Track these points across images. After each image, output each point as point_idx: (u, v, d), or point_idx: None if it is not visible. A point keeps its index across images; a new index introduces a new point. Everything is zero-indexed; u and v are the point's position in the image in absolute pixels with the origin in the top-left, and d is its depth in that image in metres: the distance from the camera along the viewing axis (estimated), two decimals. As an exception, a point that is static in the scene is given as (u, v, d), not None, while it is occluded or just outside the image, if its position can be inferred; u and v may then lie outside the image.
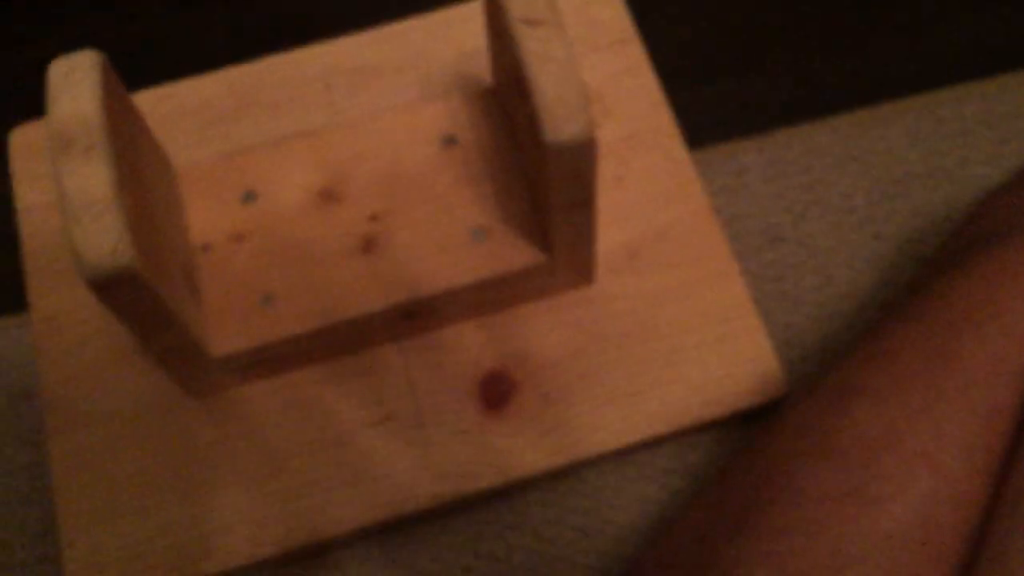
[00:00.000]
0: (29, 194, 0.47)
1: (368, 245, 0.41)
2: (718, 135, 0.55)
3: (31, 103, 0.47)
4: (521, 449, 0.42)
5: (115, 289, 0.32)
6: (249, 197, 0.43)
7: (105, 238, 0.30)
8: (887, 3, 0.58)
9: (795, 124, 0.55)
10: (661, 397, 0.42)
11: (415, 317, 0.42)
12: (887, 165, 0.54)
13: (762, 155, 0.55)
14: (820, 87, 0.56)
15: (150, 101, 0.47)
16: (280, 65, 0.50)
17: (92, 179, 0.31)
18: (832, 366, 0.37)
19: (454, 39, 0.49)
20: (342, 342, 0.42)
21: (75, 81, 0.32)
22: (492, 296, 0.42)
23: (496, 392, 0.43)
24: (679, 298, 0.43)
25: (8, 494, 0.45)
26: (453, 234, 0.41)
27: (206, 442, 0.42)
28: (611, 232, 0.44)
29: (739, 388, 0.42)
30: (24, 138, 0.48)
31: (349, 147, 0.43)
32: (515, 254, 0.41)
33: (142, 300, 0.33)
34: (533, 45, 0.32)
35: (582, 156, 0.33)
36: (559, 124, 0.32)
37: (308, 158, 0.43)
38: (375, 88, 0.49)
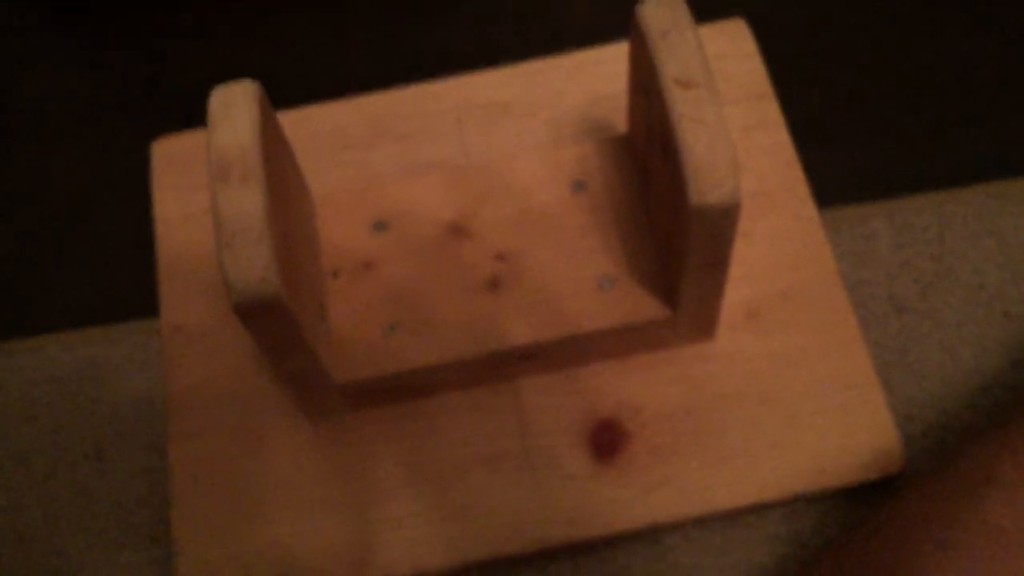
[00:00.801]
0: (167, 204, 0.49)
1: (494, 283, 0.42)
2: (848, 197, 0.53)
3: (172, 117, 0.49)
4: (628, 501, 0.41)
5: (259, 314, 0.33)
6: (380, 227, 0.43)
7: (255, 265, 0.31)
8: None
9: (928, 192, 0.54)
10: (774, 462, 0.42)
11: (533, 359, 0.42)
12: (1023, 243, 0.52)
13: (892, 222, 0.53)
14: (957, 156, 0.55)
15: (287, 124, 0.48)
16: (414, 96, 0.50)
17: (247, 206, 0.32)
18: (960, 452, 0.36)
19: (588, 82, 0.50)
20: (459, 377, 0.42)
21: (234, 111, 0.33)
22: (612, 344, 0.42)
23: (607, 441, 0.42)
24: (799, 362, 0.43)
25: (125, 496, 0.46)
26: (579, 280, 0.41)
27: (319, 463, 0.43)
28: (734, 289, 0.44)
29: (856, 460, 0.41)
30: (165, 150, 0.50)
31: (481, 185, 0.44)
32: (641, 306, 0.40)
33: (281, 325, 0.34)
34: (685, 108, 0.32)
35: (725, 220, 0.33)
36: (707, 188, 0.32)
37: (440, 192, 0.44)
38: (506, 125, 0.49)
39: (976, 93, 0.57)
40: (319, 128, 0.50)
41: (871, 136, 0.56)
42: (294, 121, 0.50)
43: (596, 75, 0.50)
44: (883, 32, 0.56)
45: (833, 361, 0.43)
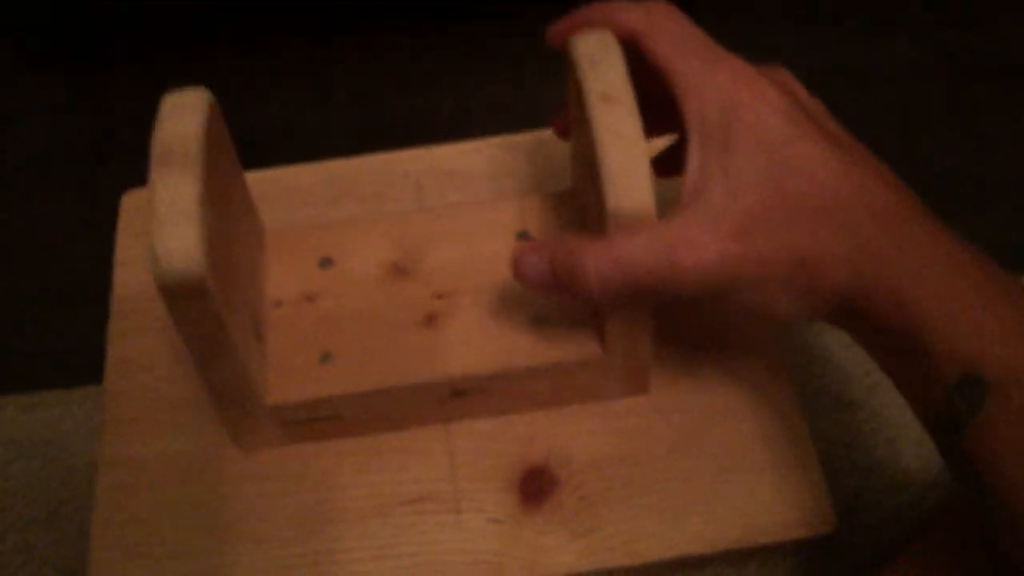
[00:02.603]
0: (128, 250, 0.50)
1: (430, 319, 0.42)
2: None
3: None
4: (553, 548, 0.41)
5: (183, 295, 0.33)
6: (326, 263, 0.44)
7: (182, 243, 0.32)
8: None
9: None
10: (703, 516, 0.41)
11: (465, 396, 0.42)
12: None
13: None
14: None
15: (254, 183, 0.49)
16: (380, 162, 0.52)
17: (182, 190, 0.33)
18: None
19: (550, 157, 0.51)
20: (391, 413, 0.42)
21: (184, 108, 0.35)
22: (545, 388, 0.42)
23: (536, 488, 0.42)
24: (735, 418, 0.43)
25: (75, 560, 0.45)
26: (514, 321, 0.42)
27: (246, 496, 0.42)
28: (670, 342, 0.44)
29: (787, 518, 0.41)
30: (135, 200, 0.51)
31: (426, 229, 0.45)
32: (571, 346, 0.41)
33: (206, 318, 0.34)
34: (607, 120, 0.34)
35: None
36: (622, 193, 0.33)
37: (386, 235, 0.45)
38: (464, 190, 0.51)
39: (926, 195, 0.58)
40: (284, 186, 0.52)
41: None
42: (261, 180, 0.51)
43: (559, 151, 0.51)
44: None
45: (768, 418, 0.42)
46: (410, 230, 0.45)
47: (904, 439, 0.49)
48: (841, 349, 0.53)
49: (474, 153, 0.52)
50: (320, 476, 0.42)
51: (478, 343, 0.41)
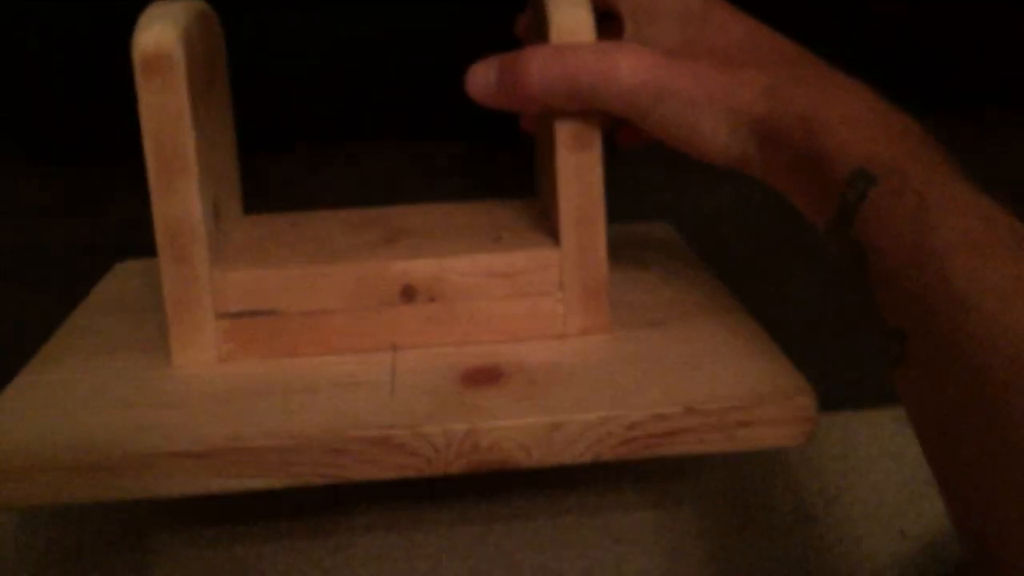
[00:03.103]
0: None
1: (391, 238, 0.43)
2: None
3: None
4: (496, 409, 0.37)
5: (155, 70, 0.37)
6: (293, 223, 0.46)
7: (162, 27, 0.37)
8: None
9: (837, 411, 0.55)
10: (664, 387, 0.38)
11: (415, 301, 0.41)
12: (921, 465, 0.53)
13: None
14: (866, 380, 0.56)
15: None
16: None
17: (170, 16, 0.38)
18: None
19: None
20: (334, 318, 0.41)
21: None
22: (497, 305, 0.41)
23: (482, 377, 0.39)
24: (701, 355, 0.41)
25: None
26: (475, 238, 0.43)
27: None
28: (634, 298, 0.44)
29: (760, 390, 0.37)
30: (124, 270, 0.52)
31: (401, 216, 0.47)
32: (525, 249, 0.41)
33: (173, 99, 0.37)
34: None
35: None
36: (564, 8, 0.38)
37: (363, 217, 0.47)
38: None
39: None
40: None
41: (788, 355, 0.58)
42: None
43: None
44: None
45: (739, 352, 0.41)
46: (387, 220, 0.47)
47: (862, 552, 0.50)
48: (800, 463, 0.52)
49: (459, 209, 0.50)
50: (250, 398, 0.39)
51: (431, 248, 0.42)
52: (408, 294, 0.41)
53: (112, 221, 0.55)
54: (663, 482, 0.53)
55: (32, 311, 0.51)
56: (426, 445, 0.36)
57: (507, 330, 0.41)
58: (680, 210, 0.55)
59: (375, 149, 0.55)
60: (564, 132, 0.40)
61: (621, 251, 0.42)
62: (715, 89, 0.37)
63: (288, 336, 0.41)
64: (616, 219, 0.42)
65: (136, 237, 0.51)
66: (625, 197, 0.42)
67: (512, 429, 0.36)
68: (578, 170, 0.40)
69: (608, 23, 0.41)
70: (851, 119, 0.34)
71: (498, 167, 0.53)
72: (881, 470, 0.53)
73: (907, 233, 0.31)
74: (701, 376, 0.38)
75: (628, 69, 0.37)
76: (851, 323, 0.57)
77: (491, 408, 0.36)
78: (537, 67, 0.38)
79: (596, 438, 0.36)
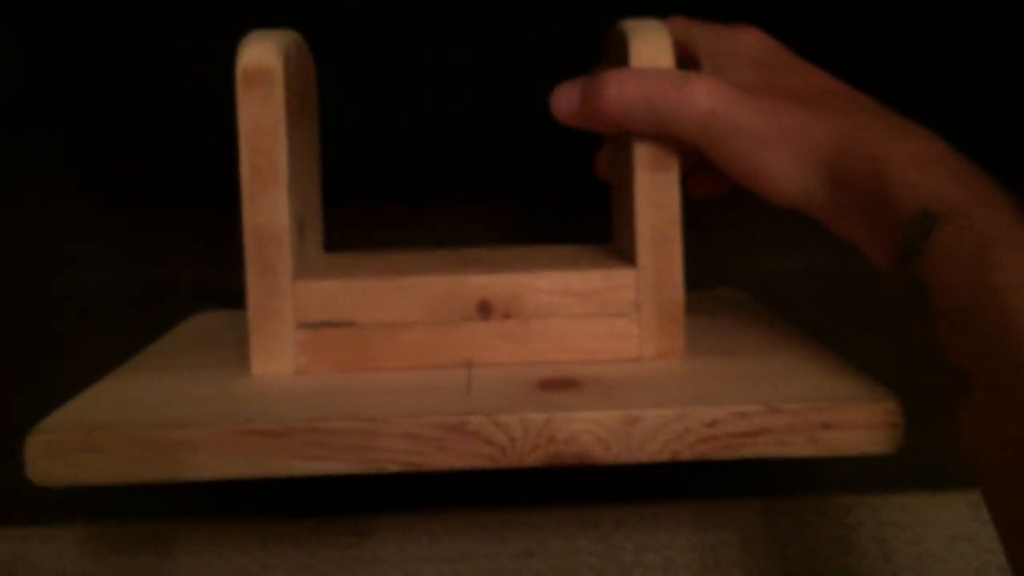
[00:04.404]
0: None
1: (468, 263, 0.44)
2: (836, 486, 0.53)
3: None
4: (574, 403, 0.36)
5: (256, 83, 0.39)
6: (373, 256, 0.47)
7: (262, 44, 0.40)
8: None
9: (911, 492, 0.53)
10: (744, 390, 0.37)
11: (490, 317, 0.41)
12: (994, 550, 0.51)
13: (876, 516, 0.53)
14: (940, 462, 0.55)
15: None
16: None
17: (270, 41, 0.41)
18: None
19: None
20: (411, 331, 0.41)
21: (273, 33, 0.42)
22: (571, 323, 0.42)
23: (557, 385, 0.39)
24: (778, 368, 0.40)
25: None
26: (551, 260, 0.44)
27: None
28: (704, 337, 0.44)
29: (842, 393, 0.37)
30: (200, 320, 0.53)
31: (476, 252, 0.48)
32: (605, 268, 0.42)
33: (271, 109, 0.40)
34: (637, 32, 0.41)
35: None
36: (643, 39, 0.40)
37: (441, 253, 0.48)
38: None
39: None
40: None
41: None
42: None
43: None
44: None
45: (819, 369, 0.40)
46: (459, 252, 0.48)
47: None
48: (872, 545, 0.51)
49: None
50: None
51: (508, 266, 0.42)
52: (485, 310, 0.41)
53: (186, 265, 0.56)
54: (727, 549, 0.51)
55: (106, 350, 0.52)
56: (502, 434, 0.35)
57: (582, 349, 0.42)
58: (750, 278, 0.56)
59: (447, 205, 0.57)
60: (642, 153, 0.41)
61: (693, 306, 0.42)
62: (786, 127, 0.38)
63: (364, 348, 0.41)
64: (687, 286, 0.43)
65: (208, 281, 0.53)
66: (696, 264, 0.43)
67: (590, 421, 0.35)
68: (655, 190, 0.41)
69: (685, 67, 0.43)
70: (919, 162, 0.35)
71: (568, 225, 0.54)
72: (955, 554, 0.51)
73: (970, 271, 0.31)
74: (782, 384, 0.38)
75: (704, 97, 0.39)
76: (927, 400, 0.56)
77: (569, 403, 0.36)
78: (616, 88, 0.40)
79: (675, 434, 0.35)
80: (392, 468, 0.35)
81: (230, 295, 0.52)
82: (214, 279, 0.57)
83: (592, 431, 0.35)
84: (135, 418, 0.36)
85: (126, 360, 0.45)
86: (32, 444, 0.35)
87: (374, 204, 0.56)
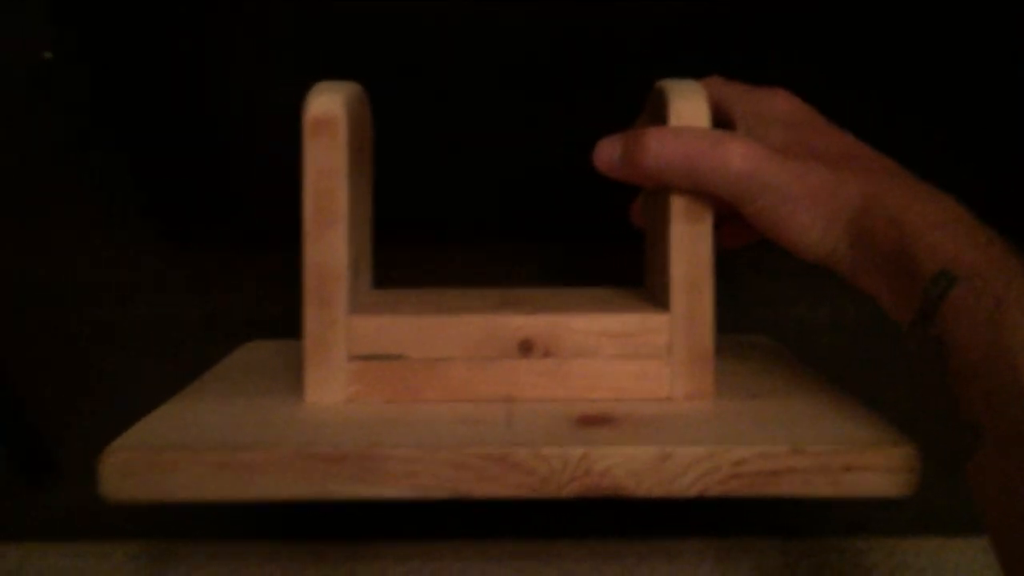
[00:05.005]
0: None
1: (510, 302, 0.47)
2: (854, 529, 0.55)
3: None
4: (610, 439, 0.39)
5: (323, 130, 0.42)
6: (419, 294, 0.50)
7: (328, 96, 0.43)
8: None
9: (926, 536, 0.55)
10: (770, 432, 0.40)
11: (531, 354, 0.44)
12: None
13: (890, 558, 0.54)
14: (956, 507, 0.57)
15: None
16: None
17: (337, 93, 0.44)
18: None
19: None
20: (456, 365, 0.44)
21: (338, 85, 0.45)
22: (606, 363, 0.44)
23: (594, 421, 0.41)
24: (803, 411, 0.43)
25: None
26: (589, 303, 0.46)
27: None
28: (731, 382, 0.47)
29: (863, 438, 0.39)
30: (249, 350, 0.56)
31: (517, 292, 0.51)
32: (640, 312, 0.44)
33: (335, 156, 0.43)
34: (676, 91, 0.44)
35: None
36: (682, 99, 0.43)
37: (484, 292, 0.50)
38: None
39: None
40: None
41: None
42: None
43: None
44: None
45: (842, 414, 0.43)
46: (502, 292, 0.51)
47: None
48: None
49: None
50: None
51: (549, 307, 0.45)
52: (525, 348, 0.44)
53: (238, 300, 0.59)
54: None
55: (161, 379, 0.55)
56: (543, 465, 0.38)
57: (616, 388, 0.44)
58: (778, 326, 0.58)
59: (491, 247, 0.59)
60: (678, 205, 0.43)
61: (722, 351, 0.45)
62: (815, 187, 0.41)
63: (411, 380, 0.44)
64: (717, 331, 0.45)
65: (259, 315, 0.56)
66: (727, 311, 0.45)
67: (624, 456, 0.38)
68: (690, 240, 0.44)
69: (720, 126, 0.46)
70: (939, 225, 0.38)
71: (603, 268, 0.57)
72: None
73: (984, 331, 0.34)
74: (806, 427, 0.40)
75: (738, 157, 0.41)
76: (944, 448, 0.58)
77: (605, 439, 0.39)
78: (656, 145, 0.42)
79: (704, 471, 0.38)
80: (439, 495, 0.38)
81: (276, 326, 0.56)
82: (260, 312, 0.60)
83: (626, 465, 0.38)
84: (201, 440, 0.39)
85: (180, 385, 0.48)
86: (106, 463, 0.38)
87: (422, 244, 0.59)
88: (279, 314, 0.57)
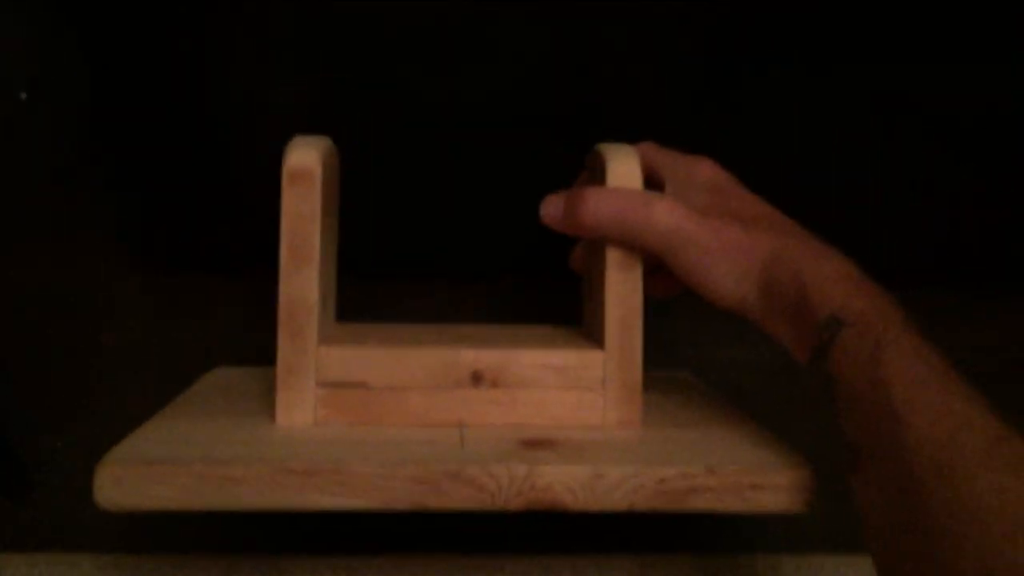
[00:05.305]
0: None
1: (462, 338, 0.52)
2: (763, 546, 0.61)
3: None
4: (551, 459, 0.44)
5: (300, 180, 0.48)
6: (378, 328, 0.55)
7: (305, 150, 0.49)
8: None
9: (827, 553, 0.61)
10: (689, 456, 0.45)
11: (480, 384, 0.49)
12: None
13: (797, 572, 0.60)
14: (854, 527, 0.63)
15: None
16: None
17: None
18: None
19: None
20: (412, 396, 0.49)
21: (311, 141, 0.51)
22: (547, 393, 0.50)
23: (537, 444, 0.47)
24: (718, 439, 0.49)
25: None
26: (533, 340, 0.52)
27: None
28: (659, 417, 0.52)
29: (768, 461, 0.45)
30: (216, 376, 0.61)
31: (468, 329, 0.56)
32: (576, 348, 0.50)
33: (308, 204, 0.48)
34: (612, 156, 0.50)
35: None
36: (617, 164, 0.49)
37: (437, 328, 0.56)
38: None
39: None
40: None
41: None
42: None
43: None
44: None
45: (753, 441, 0.48)
46: (453, 328, 0.56)
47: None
48: None
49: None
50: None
51: (497, 343, 0.51)
52: (476, 378, 0.49)
53: (209, 325, 0.64)
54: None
55: (137, 403, 0.59)
56: (492, 482, 0.43)
57: (556, 416, 0.50)
58: (701, 364, 0.64)
59: (442, 284, 0.65)
60: (612, 256, 0.50)
61: (650, 385, 0.51)
62: (730, 244, 0.47)
63: (374, 406, 0.49)
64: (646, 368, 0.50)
65: (228, 341, 0.61)
66: (655, 350, 0.52)
67: (563, 474, 0.43)
68: (622, 287, 0.50)
69: (653, 189, 0.52)
70: (832, 278, 0.44)
71: (544, 306, 0.63)
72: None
73: (864, 367, 0.40)
74: (720, 452, 0.46)
75: (664, 215, 0.48)
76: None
77: (546, 459, 0.44)
78: (594, 203, 0.49)
79: (632, 488, 0.44)
80: (401, 507, 0.43)
81: (241, 354, 0.60)
82: (224, 340, 0.65)
83: (565, 482, 0.43)
84: (187, 455, 0.44)
85: (149, 407, 0.52)
86: (101, 475, 0.42)
87: (379, 280, 0.64)
88: (241, 342, 0.62)
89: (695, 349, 0.66)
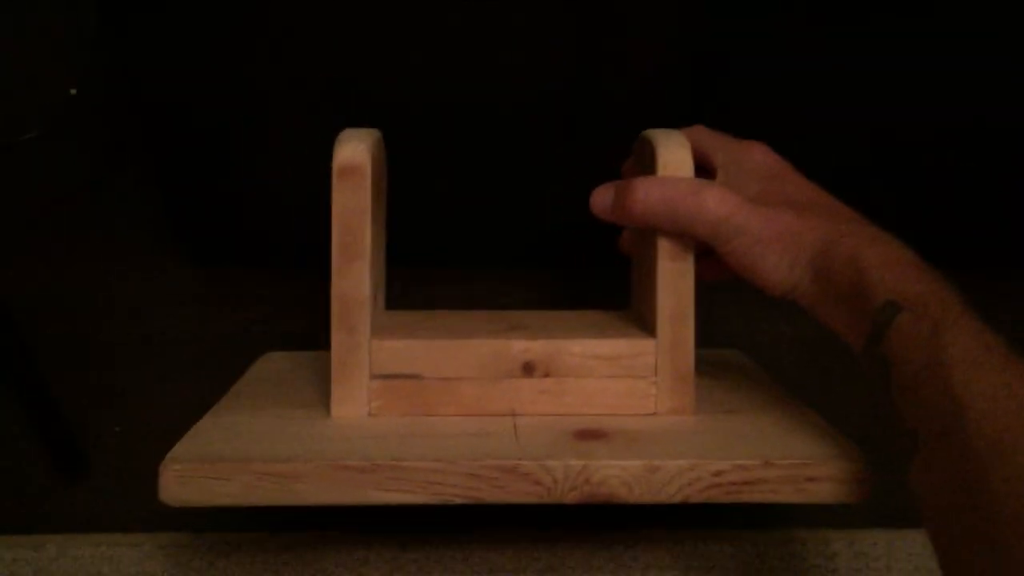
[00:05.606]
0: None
1: (514, 327, 0.52)
2: (819, 522, 0.61)
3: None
4: (605, 453, 0.45)
5: (350, 175, 0.48)
6: (429, 316, 0.55)
7: (355, 144, 0.48)
8: None
9: (882, 528, 0.61)
10: (744, 447, 0.45)
11: (532, 374, 0.50)
12: None
13: (851, 546, 0.60)
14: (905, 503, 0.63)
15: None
16: None
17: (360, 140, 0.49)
18: None
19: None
20: (465, 385, 0.49)
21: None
22: (599, 382, 0.50)
23: (590, 435, 0.47)
24: (771, 427, 0.49)
25: None
26: (584, 329, 0.52)
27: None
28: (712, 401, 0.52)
29: (825, 452, 0.45)
30: (268, 361, 0.61)
31: (520, 316, 0.56)
32: (630, 338, 0.50)
33: (360, 197, 0.48)
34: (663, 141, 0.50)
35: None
36: (668, 152, 0.49)
37: (488, 315, 0.56)
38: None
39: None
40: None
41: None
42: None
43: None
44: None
45: (806, 431, 0.48)
46: (505, 315, 0.56)
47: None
48: (848, 573, 0.58)
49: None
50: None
51: (549, 333, 0.51)
52: (528, 369, 0.50)
53: (253, 315, 0.65)
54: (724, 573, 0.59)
55: (186, 391, 0.60)
56: (548, 476, 0.43)
57: (608, 405, 0.50)
58: (748, 341, 0.64)
59: (492, 272, 0.65)
60: (663, 246, 0.49)
61: (700, 366, 0.50)
62: (782, 232, 0.47)
63: (427, 397, 0.49)
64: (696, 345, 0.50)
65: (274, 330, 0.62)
66: (702, 325, 0.51)
67: (618, 467, 0.44)
68: (674, 276, 0.49)
69: (704, 174, 0.51)
70: (888, 263, 0.44)
71: (594, 291, 0.63)
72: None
73: (922, 350, 0.40)
74: (775, 442, 0.46)
75: (715, 204, 0.47)
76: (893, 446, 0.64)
77: (600, 452, 0.44)
78: (643, 194, 0.48)
79: (687, 481, 0.44)
80: (457, 501, 0.44)
81: (292, 338, 0.61)
82: (274, 326, 0.66)
83: (620, 476, 0.44)
84: (246, 452, 0.44)
85: (201, 394, 0.53)
86: (166, 473, 0.43)
87: (429, 269, 0.64)
88: (293, 329, 0.62)
89: (742, 326, 0.65)
